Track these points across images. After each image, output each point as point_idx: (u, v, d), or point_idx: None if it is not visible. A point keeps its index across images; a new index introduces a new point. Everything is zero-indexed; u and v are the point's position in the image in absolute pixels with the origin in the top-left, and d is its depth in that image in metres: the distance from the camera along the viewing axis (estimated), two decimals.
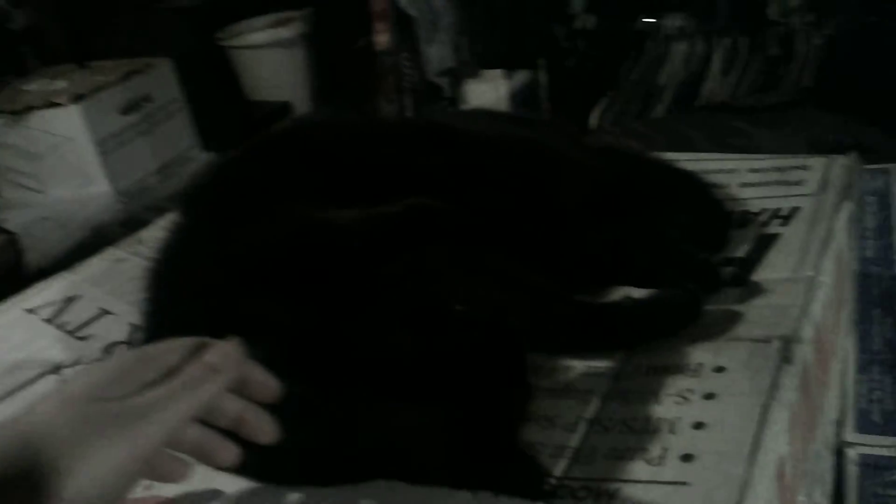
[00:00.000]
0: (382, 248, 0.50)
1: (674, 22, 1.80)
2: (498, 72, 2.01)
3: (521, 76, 2.02)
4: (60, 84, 1.86)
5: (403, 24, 1.96)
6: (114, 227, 1.70)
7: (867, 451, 0.64)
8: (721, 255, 0.63)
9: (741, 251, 0.63)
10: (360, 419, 0.45)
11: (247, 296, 0.49)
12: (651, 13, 1.81)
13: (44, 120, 1.77)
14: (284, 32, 2.34)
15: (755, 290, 0.57)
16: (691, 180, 0.70)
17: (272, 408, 0.47)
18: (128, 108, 1.87)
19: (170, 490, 0.48)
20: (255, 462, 0.49)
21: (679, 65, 1.83)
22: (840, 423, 0.66)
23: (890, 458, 0.63)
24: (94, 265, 0.82)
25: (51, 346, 0.70)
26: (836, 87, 1.57)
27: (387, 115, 1.91)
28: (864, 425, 0.65)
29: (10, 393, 0.64)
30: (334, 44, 2.29)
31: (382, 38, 1.96)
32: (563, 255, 0.60)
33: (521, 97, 2.02)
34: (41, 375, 0.66)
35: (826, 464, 0.60)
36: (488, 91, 2.02)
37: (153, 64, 1.94)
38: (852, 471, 0.64)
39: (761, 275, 0.59)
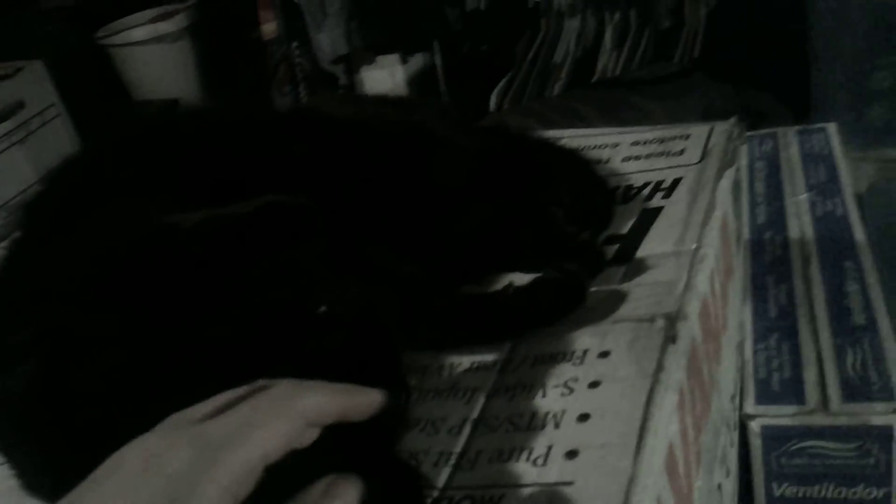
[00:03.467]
0: (231, 252, 0.45)
1: None
2: (393, 57, 1.96)
3: (417, 60, 1.98)
4: None
5: (292, 12, 1.88)
6: None
7: (768, 421, 0.63)
8: (605, 233, 0.61)
9: (625, 227, 0.61)
10: None
11: (81, 312, 0.44)
12: None
13: None
14: (167, 27, 2.23)
15: (639, 268, 0.55)
16: (573, 158, 0.68)
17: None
18: None
19: None
20: None
21: (573, 41, 1.83)
22: (740, 396, 0.65)
23: (791, 426, 0.62)
24: None
25: None
26: (725, 56, 1.59)
27: (265, 105, 1.84)
28: (764, 395, 0.65)
29: None
30: (222, 35, 2.20)
31: (270, 27, 1.88)
32: (441, 242, 0.57)
33: (419, 82, 1.98)
34: None
35: (726, 440, 0.59)
36: (384, 77, 1.97)
37: (23, 67, 1.81)
38: (756, 443, 0.63)
39: (646, 250, 0.57)
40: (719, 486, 0.53)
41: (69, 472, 0.45)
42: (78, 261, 0.48)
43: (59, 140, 1.86)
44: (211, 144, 0.58)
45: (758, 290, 0.75)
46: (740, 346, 0.67)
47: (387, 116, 0.65)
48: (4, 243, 0.71)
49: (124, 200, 0.53)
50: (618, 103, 1.61)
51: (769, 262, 0.79)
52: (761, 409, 0.63)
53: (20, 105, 1.80)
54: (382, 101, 0.76)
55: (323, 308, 0.43)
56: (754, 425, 0.62)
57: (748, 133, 1.01)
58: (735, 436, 0.61)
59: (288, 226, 0.47)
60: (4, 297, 0.53)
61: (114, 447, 0.42)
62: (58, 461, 0.46)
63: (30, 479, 0.48)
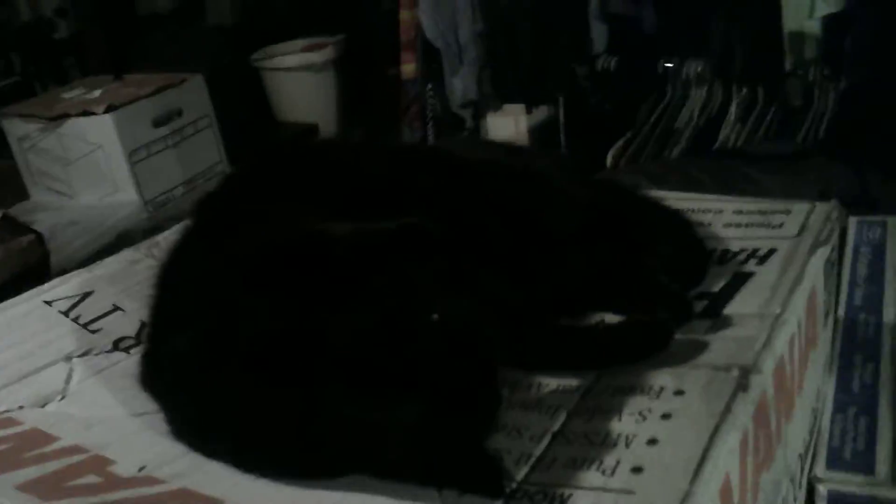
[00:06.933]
0: (371, 261, 0.53)
1: (693, 67, 1.84)
2: (519, 106, 2.06)
3: (542, 112, 2.07)
4: (96, 94, 1.94)
5: (429, 56, 2.02)
6: (138, 234, 1.76)
7: (836, 487, 0.66)
8: (697, 289, 0.66)
9: (716, 286, 0.66)
10: (333, 416, 0.48)
11: (241, 293, 0.53)
12: (671, 58, 1.85)
13: (78, 127, 1.85)
14: (316, 57, 2.42)
15: (724, 323, 0.60)
16: (675, 217, 0.74)
17: (257, 402, 0.51)
18: (159, 121, 1.94)
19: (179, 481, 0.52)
20: (240, 453, 0.53)
21: (697, 110, 1.87)
22: (812, 459, 0.68)
23: (858, 495, 0.65)
24: (111, 264, 0.87)
25: (64, 336, 0.74)
26: (848, 140, 1.59)
27: (405, 141, 1.97)
28: (835, 462, 0.68)
29: (23, 377, 0.68)
30: (363, 71, 2.37)
31: (408, 67, 2.02)
32: (544, 278, 0.63)
33: (541, 132, 2.07)
34: (53, 363, 0.70)
35: (788, 494, 0.62)
36: (509, 125, 2.07)
37: (186, 79, 2.01)
38: None
39: (732, 309, 0.62)
40: None
41: (213, 425, 0.55)
42: (241, 250, 0.58)
43: (208, 148, 2.05)
44: (356, 170, 0.68)
45: (844, 365, 0.78)
46: (817, 412, 0.70)
47: (510, 162, 0.73)
48: (176, 228, 0.83)
49: (283, 207, 0.63)
50: (736, 175, 1.63)
51: (860, 341, 0.82)
52: (830, 474, 0.66)
53: (178, 113, 1.99)
54: (508, 148, 0.84)
55: (435, 316, 0.51)
56: (822, 489, 0.65)
57: (861, 218, 1.03)
58: (801, 494, 0.65)
59: (418, 246, 0.56)
60: (178, 274, 0.64)
61: (255, 407, 0.51)
62: (205, 414, 0.55)
63: (178, 428, 0.57)
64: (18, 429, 0.61)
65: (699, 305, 0.63)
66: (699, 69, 1.82)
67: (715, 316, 0.62)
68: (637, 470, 0.47)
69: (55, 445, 0.58)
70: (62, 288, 0.83)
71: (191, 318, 0.57)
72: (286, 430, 0.50)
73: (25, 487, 0.53)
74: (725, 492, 0.46)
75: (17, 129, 1.93)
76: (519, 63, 1.97)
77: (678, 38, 1.85)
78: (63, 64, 2.53)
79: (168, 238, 0.89)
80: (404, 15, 2.00)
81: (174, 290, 0.63)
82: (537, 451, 0.51)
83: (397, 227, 0.55)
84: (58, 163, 1.93)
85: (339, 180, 0.66)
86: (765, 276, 0.66)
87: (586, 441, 0.51)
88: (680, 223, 0.73)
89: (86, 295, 0.81)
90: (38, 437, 0.60)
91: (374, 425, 0.49)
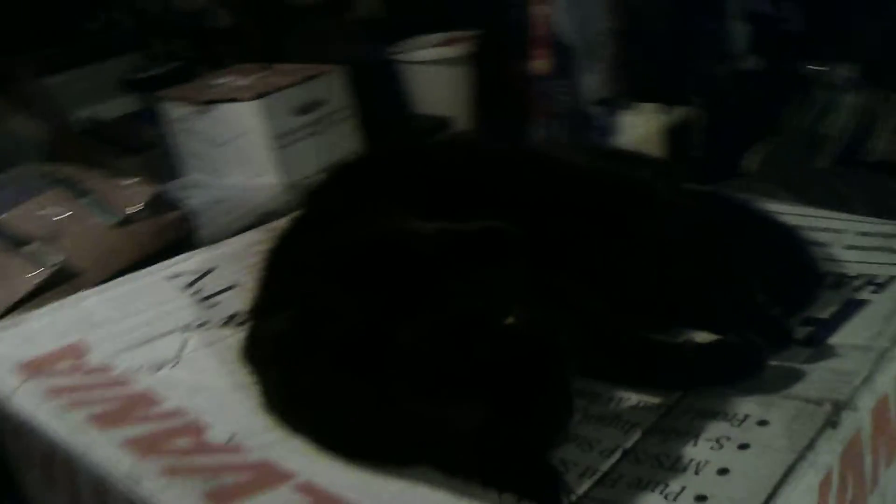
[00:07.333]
0: (453, 261, 0.54)
1: (843, 72, 1.71)
2: (654, 105, 2.00)
3: (678, 112, 1.99)
4: (245, 81, 2.05)
5: (563, 52, 2.00)
6: (278, 216, 1.85)
7: None
8: (802, 314, 0.62)
9: (824, 313, 0.62)
10: (403, 409, 0.50)
11: (331, 283, 0.56)
12: (819, 60, 1.74)
13: (227, 112, 1.97)
14: (451, 51, 2.45)
15: (825, 353, 0.57)
16: (789, 235, 0.69)
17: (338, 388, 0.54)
18: (302, 110, 2.03)
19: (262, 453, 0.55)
20: (319, 432, 0.56)
21: (846, 116, 1.74)
22: None
23: None
24: (233, 244, 0.93)
25: (184, 308, 0.80)
26: None
27: (535, 139, 1.97)
28: None
29: (143, 343, 0.75)
30: (496, 66, 2.37)
31: (541, 63, 2.01)
32: (636, 289, 0.62)
33: (675, 133, 1.99)
34: (171, 332, 0.76)
35: None
36: (642, 124, 2.01)
37: (329, 70, 2.09)
38: None
39: (837, 339, 0.58)
40: None
41: (298, 404, 0.58)
42: (337, 243, 0.61)
43: (347, 137, 2.12)
44: (457, 171, 0.69)
45: None
46: None
47: (611, 168, 0.72)
48: (291, 216, 0.88)
49: (381, 204, 0.65)
50: (887, 190, 1.52)
51: None
52: None
53: (321, 102, 2.08)
54: (612, 153, 0.82)
55: (510, 320, 0.51)
56: None
57: None
58: None
59: (501, 249, 0.56)
60: (282, 260, 0.68)
61: (336, 392, 0.54)
62: (292, 393, 0.59)
63: (268, 401, 0.61)
64: (131, 389, 0.67)
65: (803, 332, 0.60)
66: (849, 73, 1.69)
67: (817, 344, 0.58)
68: (701, 499, 0.45)
69: (160, 408, 0.63)
70: (188, 263, 0.90)
71: (288, 303, 0.61)
72: (360, 417, 0.53)
73: (127, 444, 0.58)
74: None
75: (174, 111, 2.08)
76: (654, 61, 1.90)
77: (826, 39, 1.72)
78: (220, 51, 2.70)
79: (281, 224, 0.94)
80: (537, 10, 1.98)
81: (278, 274, 0.67)
82: (604, 467, 0.50)
83: (481, 230, 0.56)
84: (208, 145, 2.07)
85: (439, 180, 0.68)
86: (879, 305, 0.61)
87: (656, 462, 0.49)
88: (792, 242, 0.69)
89: (208, 271, 0.88)
90: (147, 400, 0.65)
91: (440, 422, 0.50)
